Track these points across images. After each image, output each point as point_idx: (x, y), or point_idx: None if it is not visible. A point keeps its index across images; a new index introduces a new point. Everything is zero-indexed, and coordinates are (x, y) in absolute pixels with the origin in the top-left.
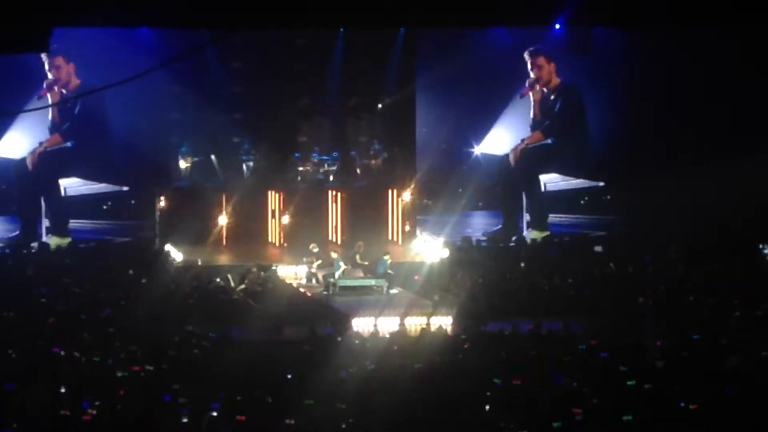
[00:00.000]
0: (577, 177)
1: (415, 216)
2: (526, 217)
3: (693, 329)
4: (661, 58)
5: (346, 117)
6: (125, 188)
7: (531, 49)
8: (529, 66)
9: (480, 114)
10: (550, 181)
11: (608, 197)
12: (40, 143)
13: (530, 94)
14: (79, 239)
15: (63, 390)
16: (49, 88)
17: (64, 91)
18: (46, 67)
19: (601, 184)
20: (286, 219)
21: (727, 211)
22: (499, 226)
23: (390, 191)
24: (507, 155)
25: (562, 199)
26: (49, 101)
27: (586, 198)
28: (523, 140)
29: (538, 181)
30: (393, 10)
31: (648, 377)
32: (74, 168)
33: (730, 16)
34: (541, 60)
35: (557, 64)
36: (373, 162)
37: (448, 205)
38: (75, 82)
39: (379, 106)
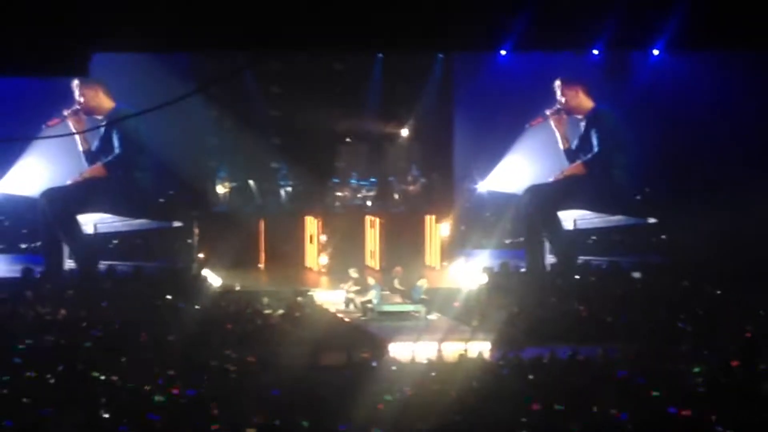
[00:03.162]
0: (615, 213)
1: (453, 242)
2: (550, 259)
3: (731, 355)
4: (702, 83)
5: (384, 142)
6: (167, 224)
7: (563, 77)
8: (558, 93)
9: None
10: (582, 218)
11: (651, 236)
12: (81, 174)
13: (552, 124)
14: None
15: (101, 414)
16: (75, 114)
17: (98, 117)
18: (76, 93)
19: (652, 220)
20: (323, 242)
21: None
22: (523, 269)
23: (428, 217)
24: (532, 189)
25: (595, 239)
26: (72, 129)
27: (623, 236)
28: (562, 172)
29: (559, 219)
30: (431, 36)
31: (686, 403)
32: (108, 202)
33: None
34: (574, 88)
35: (590, 90)
36: (411, 187)
37: (476, 241)
38: (108, 105)
39: (404, 132)
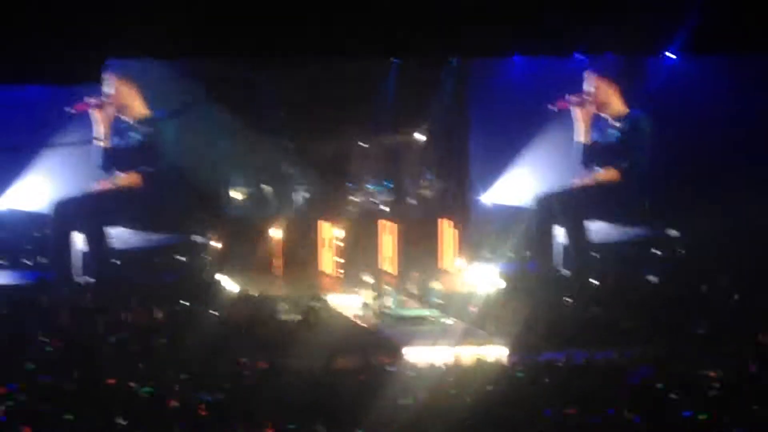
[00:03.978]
0: (634, 225)
1: (469, 246)
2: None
3: (749, 359)
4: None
5: (399, 146)
6: (187, 238)
7: (593, 68)
8: (590, 85)
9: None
10: (599, 230)
11: (671, 249)
12: (112, 180)
13: (575, 112)
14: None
15: (118, 420)
16: (100, 107)
17: (122, 117)
18: (108, 85)
19: (674, 233)
20: (339, 248)
21: None
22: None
23: (443, 221)
24: (554, 195)
25: (612, 253)
26: (95, 120)
27: (642, 248)
28: (589, 176)
29: (583, 230)
30: (446, 40)
31: (703, 407)
32: (129, 213)
33: None
34: (601, 80)
35: (622, 89)
36: (426, 192)
37: (488, 252)
38: (143, 110)
39: (419, 136)
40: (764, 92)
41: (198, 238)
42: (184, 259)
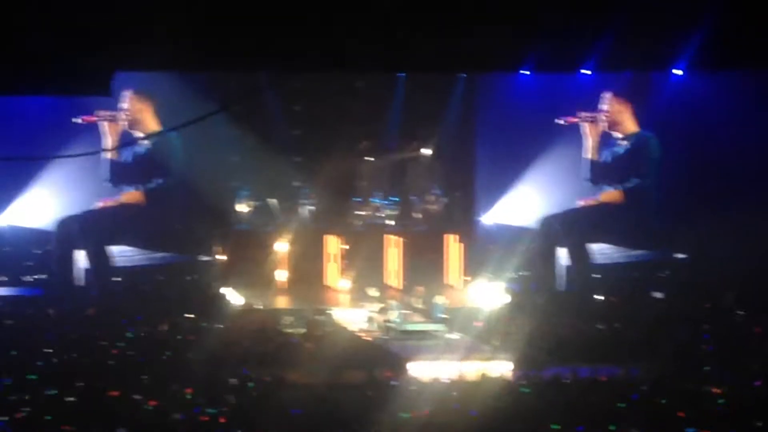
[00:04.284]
0: (640, 248)
1: (475, 261)
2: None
3: (755, 376)
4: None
5: (406, 161)
6: (192, 258)
7: (609, 88)
8: (605, 103)
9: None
10: (600, 252)
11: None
12: (115, 197)
13: (584, 128)
14: (139, 281)
15: None
16: (113, 120)
17: (136, 132)
18: (124, 99)
19: (681, 256)
20: (344, 262)
21: None
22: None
23: (449, 236)
24: (551, 216)
25: (613, 277)
26: (106, 137)
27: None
28: (595, 197)
29: (586, 253)
30: (453, 55)
31: (707, 423)
32: (135, 231)
33: None
34: (615, 99)
35: (634, 108)
36: (432, 207)
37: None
38: (153, 126)
39: (426, 151)
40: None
41: (204, 257)
42: (189, 277)
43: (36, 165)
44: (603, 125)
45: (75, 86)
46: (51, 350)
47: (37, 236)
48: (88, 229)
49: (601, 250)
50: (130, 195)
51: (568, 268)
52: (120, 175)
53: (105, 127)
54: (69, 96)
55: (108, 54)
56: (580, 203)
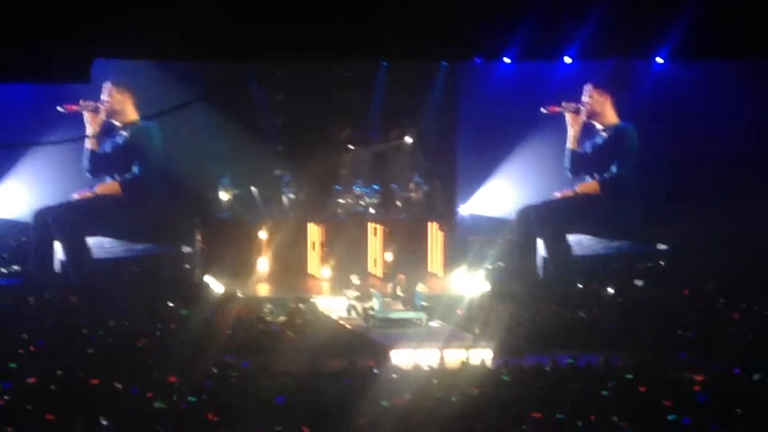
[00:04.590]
0: (622, 239)
1: (456, 249)
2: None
3: (734, 363)
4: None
5: (388, 150)
6: (173, 249)
7: (591, 80)
8: (586, 94)
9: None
10: (579, 243)
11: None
12: (91, 189)
13: (568, 118)
14: (121, 269)
15: (103, 422)
16: (94, 111)
17: (116, 123)
18: (105, 91)
19: (663, 247)
20: (326, 252)
21: None
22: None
23: (430, 224)
24: (537, 206)
25: (591, 268)
26: (87, 126)
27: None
28: (572, 189)
29: (564, 244)
30: (435, 44)
31: (688, 411)
32: (119, 224)
33: None
34: (596, 90)
35: (614, 99)
36: (413, 195)
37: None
38: (132, 116)
39: (408, 140)
40: (755, 100)
41: (186, 248)
42: (170, 268)
43: (12, 155)
44: (585, 115)
45: (54, 74)
46: (32, 339)
47: (13, 228)
48: (65, 220)
49: (580, 242)
50: (106, 186)
51: (546, 259)
52: (99, 165)
53: (87, 117)
54: (48, 84)
55: (87, 42)
56: (557, 195)
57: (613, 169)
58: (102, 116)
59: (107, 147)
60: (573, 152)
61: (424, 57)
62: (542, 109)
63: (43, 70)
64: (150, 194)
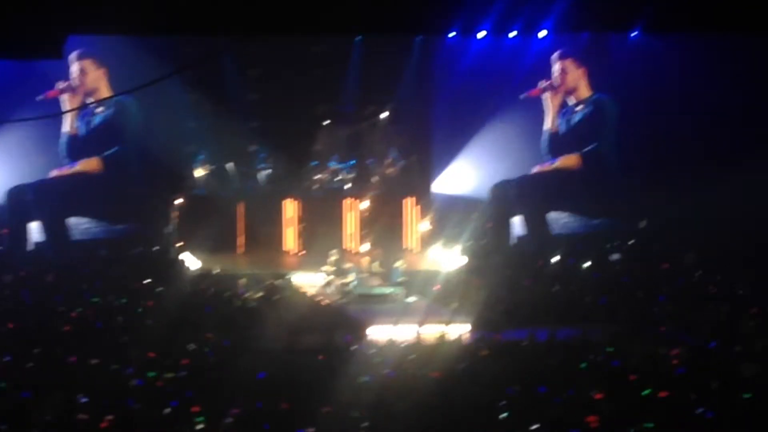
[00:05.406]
0: (599, 216)
1: (433, 224)
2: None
3: (710, 336)
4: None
5: (363, 125)
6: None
7: (560, 51)
8: (557, 69)
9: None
10: (558, 221)
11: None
12: (71, 165)
13: (546, 100)
14: (98, 247)
15: (80, 399)
16: (71, 90)
17: (89, 100)
18: (76, 68)
19: (643, 223)
20: (302, 226)
21: (750, 218)
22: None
23: (407, 199)
24: (515, 181)
25: (570, 243)
26: (65, 106)
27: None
28: (551, 163)
29: (543, 222)
30: (410, 18)
31: (665, 385)
32: (99, 202)
33: None
34: (569, 64)
35: (589, 72)
36: (389, 170)
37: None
38: (107, 92)
39: (384, 115)
40: (732, 74)
41: (163, 226)
42: (148, 248)
43: None
44: (561, 91)
45: (25, 50)
46: (8, 316)
47: None
48: (42, 199)
49: (559, 219)
50: (87, 163)
51: (523, 234)
52: (77, 148)
53: (66, 101)
54: (18, 60)
55: (59, 17)
56: (536, 169)
57: (594, 141)
58: (80, 96)
59: (84, 128)
60: (551, 134)
61: (399, 32)
62: (521, 96)
63: (12, 46)
64: (130, 171)
